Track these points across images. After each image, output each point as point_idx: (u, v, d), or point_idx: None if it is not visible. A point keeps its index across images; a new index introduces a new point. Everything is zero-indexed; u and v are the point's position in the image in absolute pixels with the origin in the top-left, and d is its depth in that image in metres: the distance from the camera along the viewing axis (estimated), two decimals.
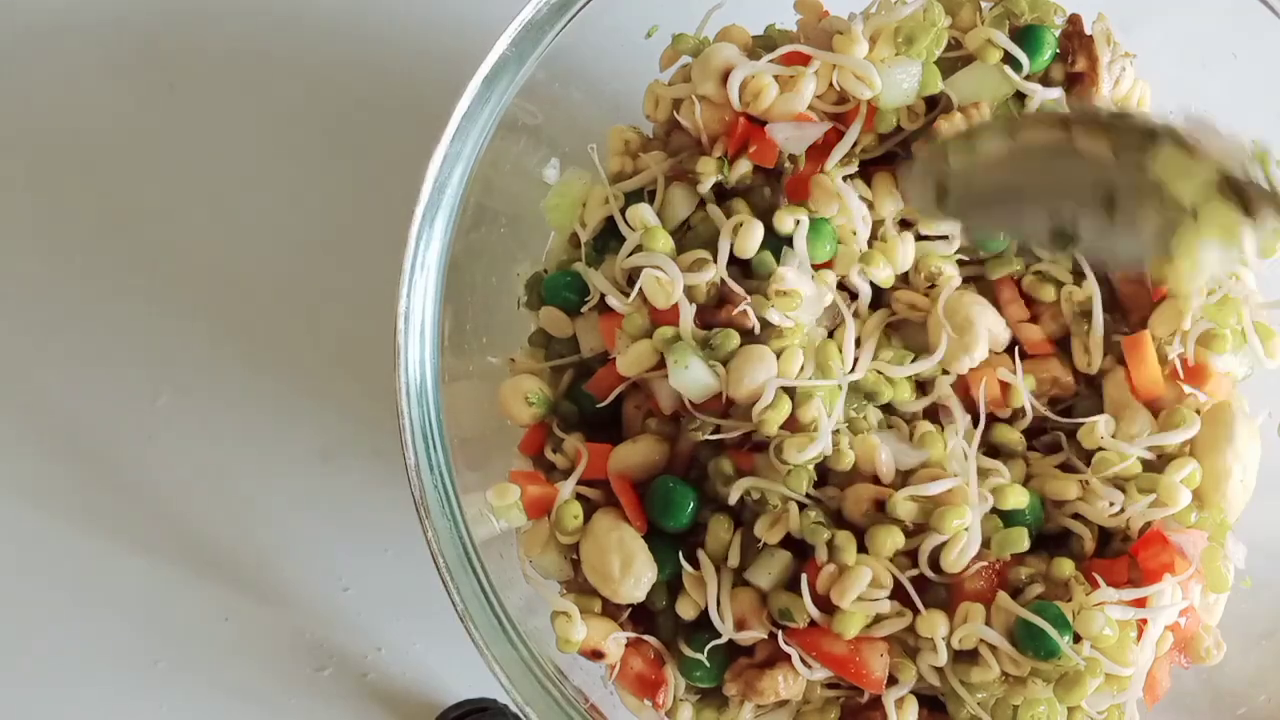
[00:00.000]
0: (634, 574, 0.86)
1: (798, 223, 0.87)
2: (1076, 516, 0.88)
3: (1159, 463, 0.88)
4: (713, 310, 0.87)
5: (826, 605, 0.84)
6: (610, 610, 0.89)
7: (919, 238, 0.91)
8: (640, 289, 0.86)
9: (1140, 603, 0.84)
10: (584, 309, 0.91)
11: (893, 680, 0.86)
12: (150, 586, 1.09)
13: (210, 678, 1.09)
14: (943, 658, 0.84)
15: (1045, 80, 0.90)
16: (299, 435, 1.10)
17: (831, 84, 0.89)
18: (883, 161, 0.92)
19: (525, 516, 0.89)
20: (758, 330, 0.86)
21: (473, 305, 0.91)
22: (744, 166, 0.90)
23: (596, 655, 0.88)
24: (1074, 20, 0.90)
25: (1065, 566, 0.85)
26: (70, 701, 1.09)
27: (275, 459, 1.10)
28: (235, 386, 1.10)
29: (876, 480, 0.86)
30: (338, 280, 1.10)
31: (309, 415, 1.10)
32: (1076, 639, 0.82)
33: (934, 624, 0.84)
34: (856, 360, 0.88)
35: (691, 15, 0.92)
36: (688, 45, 0.93)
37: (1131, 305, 0.92)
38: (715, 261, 0.87)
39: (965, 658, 0.84)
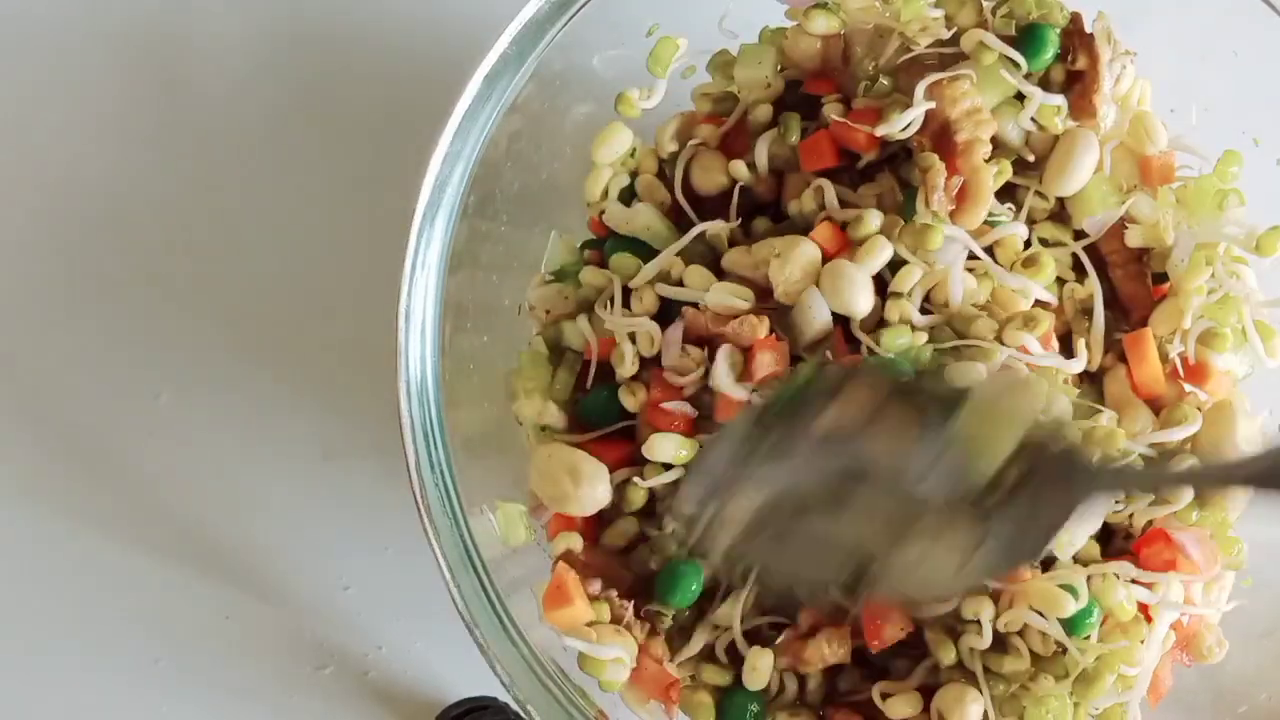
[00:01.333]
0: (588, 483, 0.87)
1: None
2: None
3: (1160, 460, 0.88)
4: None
5: None
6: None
7: None
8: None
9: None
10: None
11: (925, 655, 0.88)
12: (150, 585, 1.09)
13: (211, 676, 1.09)
14: (987, 640, 0.84)
15: (1046, 79, 0.90)
16: (299, 434, 1.10)
17: None
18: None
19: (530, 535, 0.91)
20: None
21: (474, 303, 0.91)
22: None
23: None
24: (1074, 19, 0.90)
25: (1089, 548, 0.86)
26: (70, 700, 1.09)
27: (276, 457, 1.10)
28: (236, 385, 1.10)
29: None
30: (338, 279, 1.10)
31: (310, 413, 1.10)
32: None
33: (981, 607, 0.84)
34: None
35: (692, 13, 0.92)
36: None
37: (1132, 303, 0.92)
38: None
39: (996, 647, 0.85)
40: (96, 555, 1.09)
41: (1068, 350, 0.90)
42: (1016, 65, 0.88)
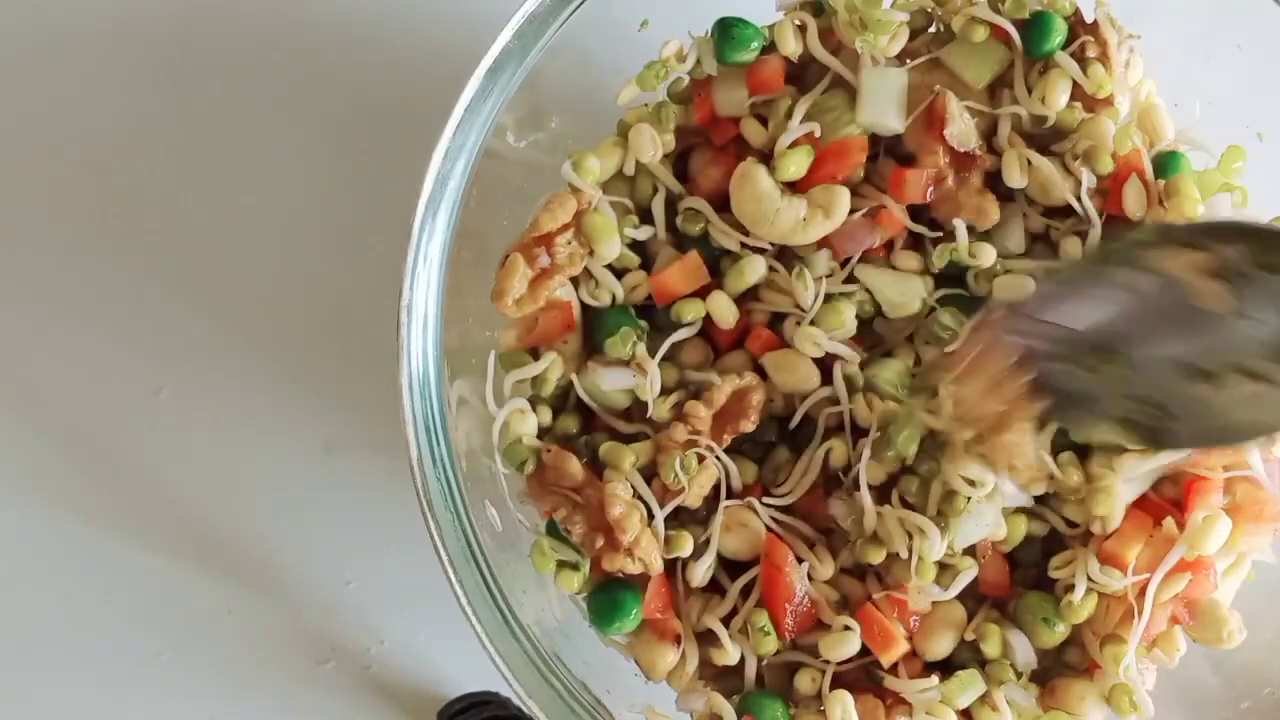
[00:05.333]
0: None
1: None
2: None
3: None
4: None
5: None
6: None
7: None
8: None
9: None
10: None
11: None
12: (153, 580, 1.09)
13: (213, 671, 1.09)
14: None
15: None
16: (301, 428, 1.10)
17: None
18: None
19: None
20: None
21: (475, 298, 0.91)
22: None
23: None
24: (1075, 12, 0.91)
25: None
26: (73, 695, 1.09)
27: (277, 452, 1.10)
28: (237, 379, 1.10)
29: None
30: (340, 273, 1.10)
31: (311, 408, 1.10)
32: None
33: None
34: None
35: (691, 9, 0.92)
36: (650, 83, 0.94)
37: None
38: None
39: None
40: (98, 550, 1.09)
41: None
42: (1038, 46, 0.90)
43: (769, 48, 0.93)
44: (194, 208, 1.11)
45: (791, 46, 0.92)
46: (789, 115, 0.92)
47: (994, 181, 0.91)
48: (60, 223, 1.12)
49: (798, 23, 0.92)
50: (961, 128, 0.89)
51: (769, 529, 0.89)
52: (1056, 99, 0.89)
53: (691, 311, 0.91)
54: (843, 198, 0.89)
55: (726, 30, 0.92)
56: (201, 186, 1.12)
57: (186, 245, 1.11)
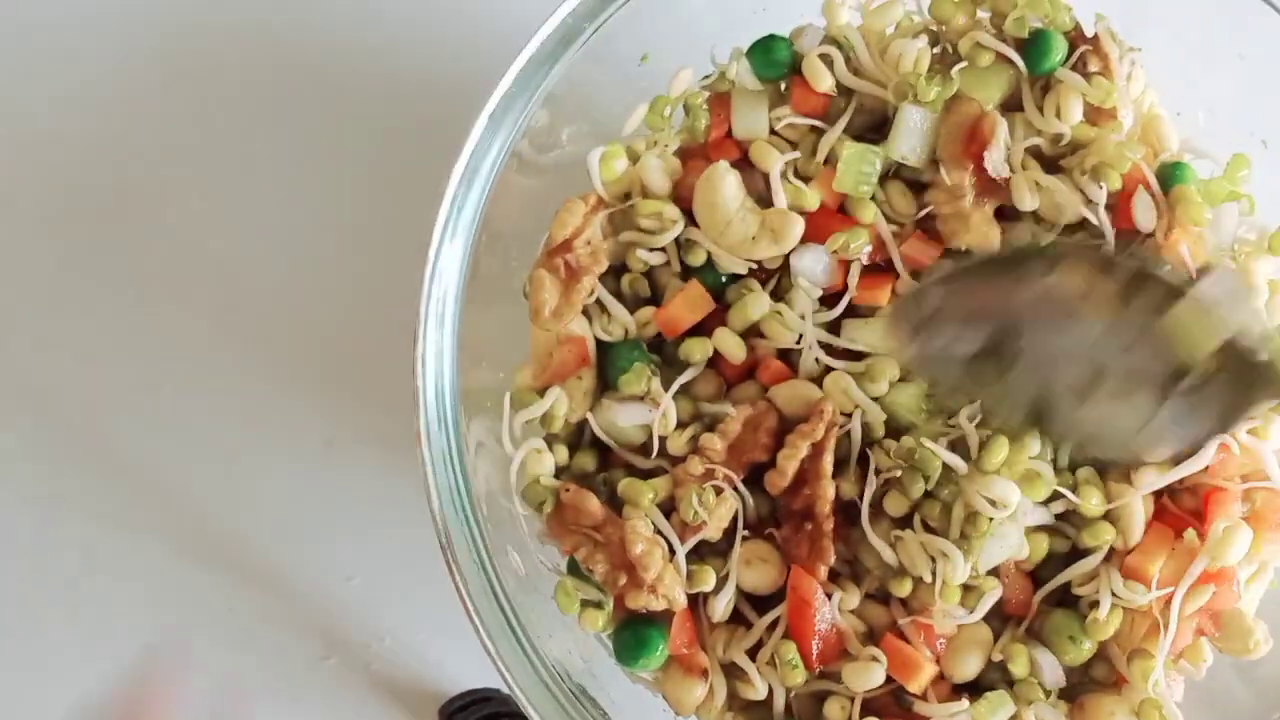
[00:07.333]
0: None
1: None
2: None
3: None
4: None
5: None
6: None
7: None
8: None
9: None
10: None
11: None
12: (153, 577, 1.10)
13: (214, 668, 1.09)
14: None
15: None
16: (303, 425, 1.10)
17: None
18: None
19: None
20: None
21: (488, 340, 0.90)
22: None
23: None
24: (1075, 27, 0.91)
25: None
26: (74, 694, 1.08)
27: (279, 449, 1.11)
28: (239, 377, 1.11)
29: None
30: (341, 269, 1.11)
31: (312, 405, 1.10)
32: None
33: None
34: None
35: (694, 42, 0.93)
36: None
37: None
38: None
39: None
40: (98, 547, 1.10)
41: None
42: (1034, 63, 0.90)
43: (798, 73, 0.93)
44: (197, 208, 1.12)
45: (828, 81, 0.92)
46: (814, 152, 0.92)
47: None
48: (62, 222, 1.12)
49: (821, 54, 0.92)
50: (1000, 154, 0.89)
51: (793, 560, 0.89)
52: (1070, 113, 0.89)
53: (699, 351, 0.91)
54: (794, 226, 0.89)
55: (769, 47, 0.93)
56: (205, 187, 1.13)
57: (189, 244, 1.12)
